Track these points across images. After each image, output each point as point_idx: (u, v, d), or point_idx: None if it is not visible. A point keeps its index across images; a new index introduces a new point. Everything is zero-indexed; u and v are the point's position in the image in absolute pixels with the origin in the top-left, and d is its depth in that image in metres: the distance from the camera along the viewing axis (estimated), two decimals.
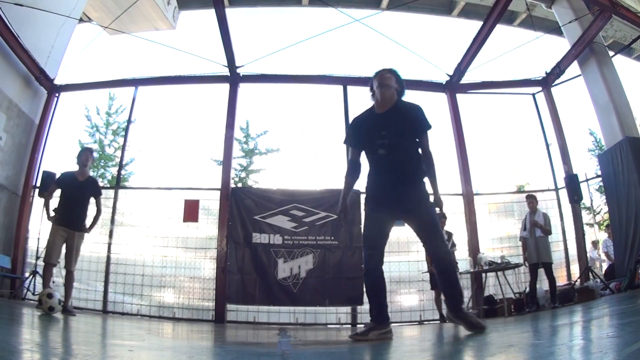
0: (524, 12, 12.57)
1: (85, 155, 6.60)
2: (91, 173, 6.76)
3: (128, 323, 6.59)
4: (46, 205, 6.45)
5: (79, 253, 6.43)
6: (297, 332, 5.71)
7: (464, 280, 8.83)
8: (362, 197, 9.02)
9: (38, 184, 8.89)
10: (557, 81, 10.20)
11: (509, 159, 26.64)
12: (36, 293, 7.57)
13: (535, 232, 8.05)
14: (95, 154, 6.71)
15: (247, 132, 21.79)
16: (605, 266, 10.24)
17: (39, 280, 7.61)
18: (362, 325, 3.79)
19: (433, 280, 8.28)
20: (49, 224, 6.35)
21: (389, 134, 3.73)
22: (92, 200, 6.60)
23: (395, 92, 3.84)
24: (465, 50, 9.66)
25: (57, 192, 6.55)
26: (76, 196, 6.39)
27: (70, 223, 6.27)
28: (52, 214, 6.32)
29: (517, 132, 30.26)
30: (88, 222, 6.54)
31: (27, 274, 8.39)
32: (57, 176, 6.89)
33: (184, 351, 3.18)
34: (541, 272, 8.00)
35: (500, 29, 9.83)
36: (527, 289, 8.16)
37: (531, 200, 8.41)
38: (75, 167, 6.62)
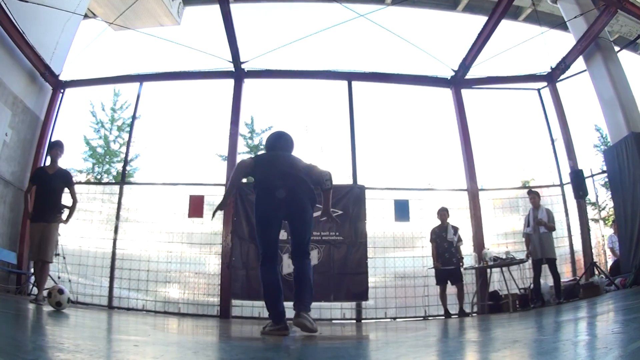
0: (529, 7, 12.50)
1: (55, 150, 6.66)
2: (63, 166, 6.77)
3: (133, 318, 6.62)
4: (25, 203, 6.56)
5: (53, 243, 6.47)
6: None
7: (468, 276, 8.85)
8: (367, 192, 9.11)
9: None
10: (562, 76, 10.15)
11: (514, 155, 26.56)
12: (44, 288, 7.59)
13: (540, 229, 8.03)
14: (64, 148, 6.79)
15: (252, 128, 21.78)
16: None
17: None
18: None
19: (438, 275, 8.29)
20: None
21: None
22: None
23: None
24: (470, 46, 9.62)
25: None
26: (47, 189, 6.41)
27: (43, 217, 6.30)
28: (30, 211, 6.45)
29: (522, 128, 30.14)
30: (65, 213, 6.57)
31: (32, 270, 8.43)
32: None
33: (189, 346, 3.19)
34: (545, 267, 7.99)
35: (505, 24, 9.80)
36: (532, 285, 8.15)
37: (533, 196, 8.40)
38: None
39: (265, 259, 4.09)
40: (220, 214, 8.95)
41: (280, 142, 4.54)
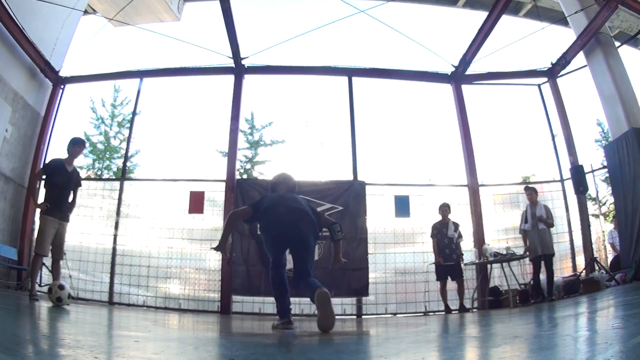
0: (529, 3, 12.46)
1: (80, 147, 6.54)
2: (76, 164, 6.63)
3: (134, 314, 6.62)
4: (32, 190, 6.41)
5: (64, 242, 6.42)
6: (302, 323, 5.73)
7: (469, 272, 8.85)
8: (367, 188, 9.11)
9: None
10: (562, 72, 10.14)
11: (515, 150, 26.47)
12: (43, 284, 7.59)
13: (539, 225, 8.04)
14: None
15: (252, 124, 21.73)
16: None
17: (45, 271, 7.61)
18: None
19: (438, 271, 8.29)
20: (39, 212, 6.29)
21: None
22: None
23: None
24: (471, 41, 9.61)
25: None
26: (64, 186, 6.32)
27: (61, 214, 6.23)
28: (41, 201, 6.22)
29: (523, 123, 30.02)
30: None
31: (31, 264, 8.42)
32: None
33: (190, 342, 3.20)
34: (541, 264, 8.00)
35: (505, 20, 9.74)
36: (532, 281, 8.15)
37: (530, 192, 8.38)
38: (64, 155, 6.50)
39: (275, 265, 4.59)
40: (220, 210, 9.01)
41: (284, 184, 5.14)
